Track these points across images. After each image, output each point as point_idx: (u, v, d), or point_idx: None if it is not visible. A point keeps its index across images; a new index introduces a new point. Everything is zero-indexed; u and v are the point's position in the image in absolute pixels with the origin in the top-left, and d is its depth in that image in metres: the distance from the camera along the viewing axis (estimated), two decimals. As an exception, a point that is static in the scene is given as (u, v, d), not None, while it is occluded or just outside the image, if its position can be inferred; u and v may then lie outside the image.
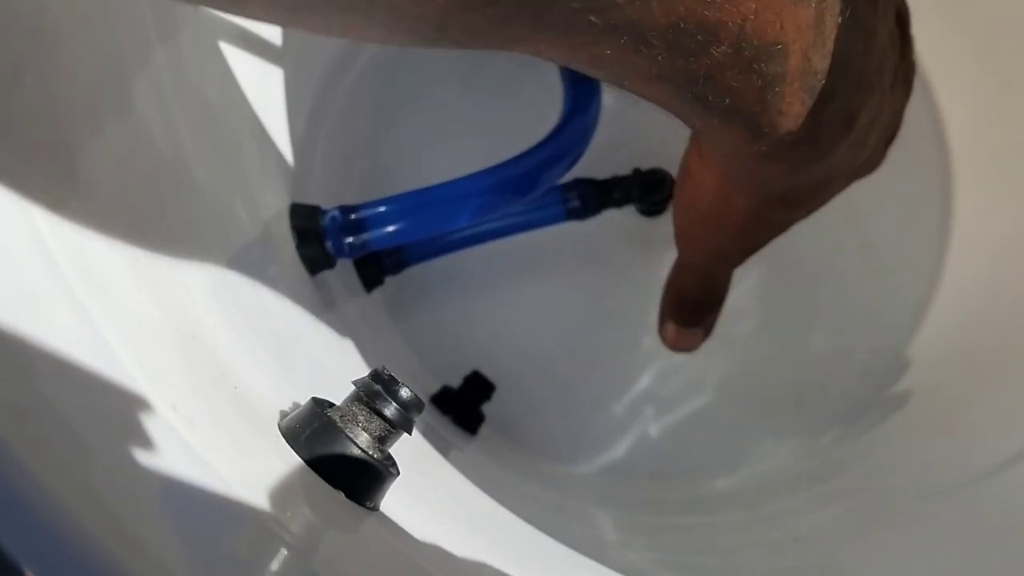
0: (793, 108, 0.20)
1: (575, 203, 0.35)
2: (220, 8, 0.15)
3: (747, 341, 0.41)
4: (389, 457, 0.20)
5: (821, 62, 0.20)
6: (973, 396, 0.34)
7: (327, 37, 0.37)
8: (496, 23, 0.15)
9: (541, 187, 0.32)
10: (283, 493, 0.18)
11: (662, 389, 0.41)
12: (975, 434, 0.32)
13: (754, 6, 0.16)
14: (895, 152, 0.40)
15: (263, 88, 0.33)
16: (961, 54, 0.39)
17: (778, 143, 0.21)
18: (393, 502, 0.21)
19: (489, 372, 0.40)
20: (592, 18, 0.15)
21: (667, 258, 0.32)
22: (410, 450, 0.30)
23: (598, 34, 0.16)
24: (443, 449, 0.33)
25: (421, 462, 0.30)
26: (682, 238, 0.30)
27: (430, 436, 0.34)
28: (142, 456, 0.13)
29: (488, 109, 0.42)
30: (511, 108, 0.41)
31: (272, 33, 0.33)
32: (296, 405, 0.21)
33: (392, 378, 0.19)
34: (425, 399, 0.39)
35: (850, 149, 0.24)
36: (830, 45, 0.19)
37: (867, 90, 0.22)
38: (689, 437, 0.40)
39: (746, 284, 0.41)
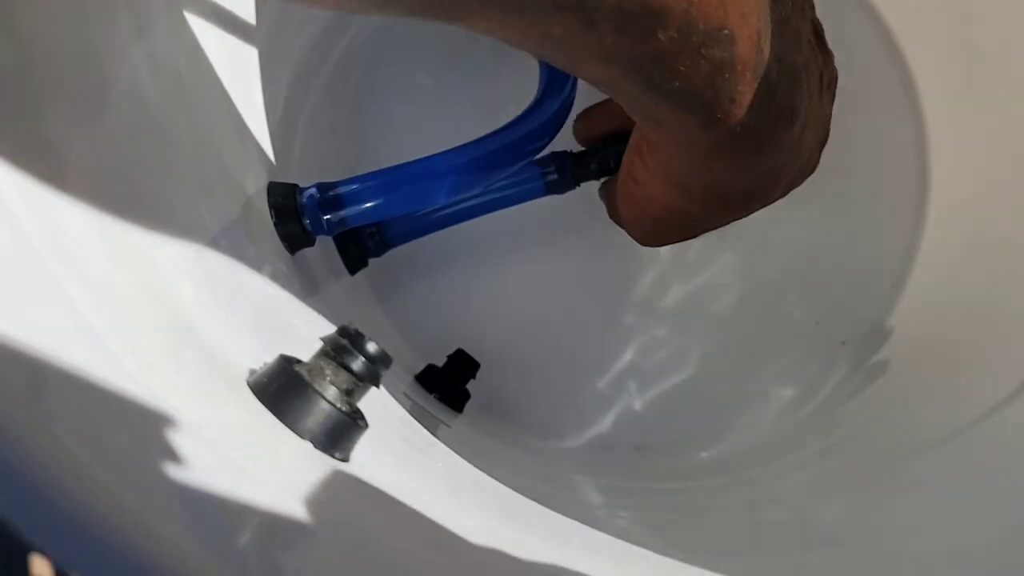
0: (744, 97, 0.21)
1: (553, 176, 0.35)
2: None
3: (727, 315, 0.42)
4: (357, 410, 0.20)
5: (768, 53, 0.21)
6: (947, 362, 0.35)
7: (299, 12, 0.38)
8: None
9: (518, 162, 0.33)
10: (252, 443, 0.18)
11: (645, 363, 0.41)
12: (948, 398, 0.33)
13: None
14: (870, 123, 0.41)
15: (241, 70, 0.33)
16: (933, 22, 0.40)
17: (730, 133, 0.22)
18: (384, 474, 0.22)
19: (474, 350, 0.40)
20: None
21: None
22: (397, 428, 0.30)
23: (546, 12, 0.16)
24: (431, 426, 0.34)
25: (410, 438, 0.31)
26: (633, 231, 0.31)
27: (417, 414, 0.34)
28: (96, 394, 0.14)
29: (470, 91, 0.42)
30: (493, 90, 0.42)
31: (251, 15, 0.34)
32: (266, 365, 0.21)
33: (359, 333, 0.20)
34: (410, 378, 0.40)
35: (792, 149, 0.25)
36: (770, 39, 0.20)
37: (801, 86, 0.23)
38: (672, 410, 0.41)
39: (725, 259, 0.42)
